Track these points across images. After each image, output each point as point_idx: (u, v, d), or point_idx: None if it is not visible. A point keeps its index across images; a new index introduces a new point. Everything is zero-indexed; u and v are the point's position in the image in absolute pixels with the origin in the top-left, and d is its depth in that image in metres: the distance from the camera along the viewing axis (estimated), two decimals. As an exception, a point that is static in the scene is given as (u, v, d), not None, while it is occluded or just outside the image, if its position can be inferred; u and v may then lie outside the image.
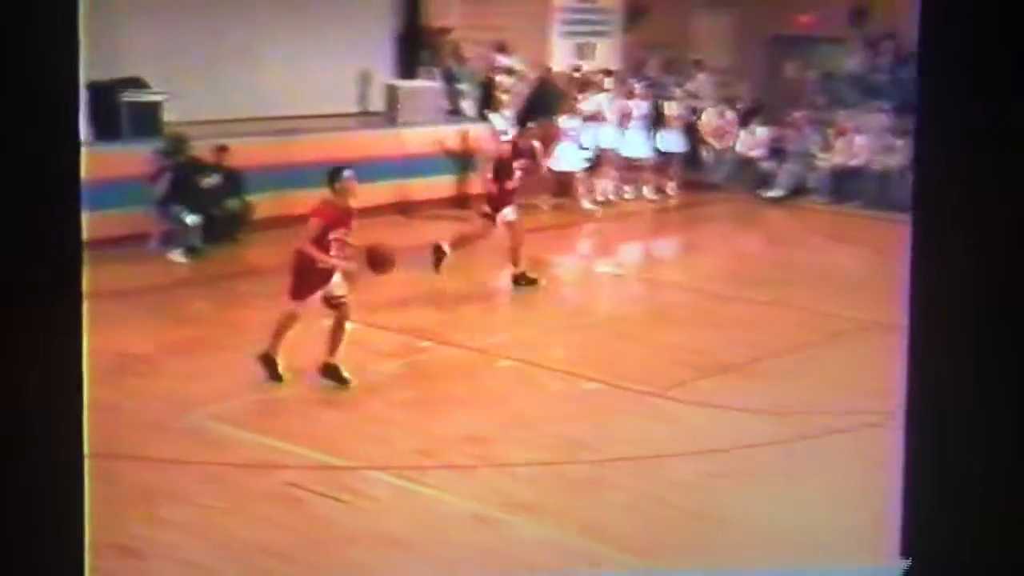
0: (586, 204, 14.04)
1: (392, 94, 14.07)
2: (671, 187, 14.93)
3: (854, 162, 14.55)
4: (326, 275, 7.81)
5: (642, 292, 11.19)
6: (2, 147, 3.13)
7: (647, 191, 14.81)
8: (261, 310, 8.72)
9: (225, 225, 11.81)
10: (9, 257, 3.17)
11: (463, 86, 14.55)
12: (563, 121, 14.04)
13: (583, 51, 16.25)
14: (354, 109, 14.16)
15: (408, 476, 6.68)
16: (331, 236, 7.81)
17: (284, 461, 6.83)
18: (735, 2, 16.42)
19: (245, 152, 12.10)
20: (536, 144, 11.06)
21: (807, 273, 11.50)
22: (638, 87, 14.99)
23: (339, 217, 7.87)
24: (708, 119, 15.38)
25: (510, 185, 10.46)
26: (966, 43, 3.68)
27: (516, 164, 10.56)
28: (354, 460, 6.88)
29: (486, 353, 8.76)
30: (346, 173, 7.93)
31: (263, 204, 12.02)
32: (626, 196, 14.64)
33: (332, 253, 7.82)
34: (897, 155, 14.37)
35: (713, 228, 14.44)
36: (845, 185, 14.49)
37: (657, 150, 14.83)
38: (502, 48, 14.98)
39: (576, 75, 15.19)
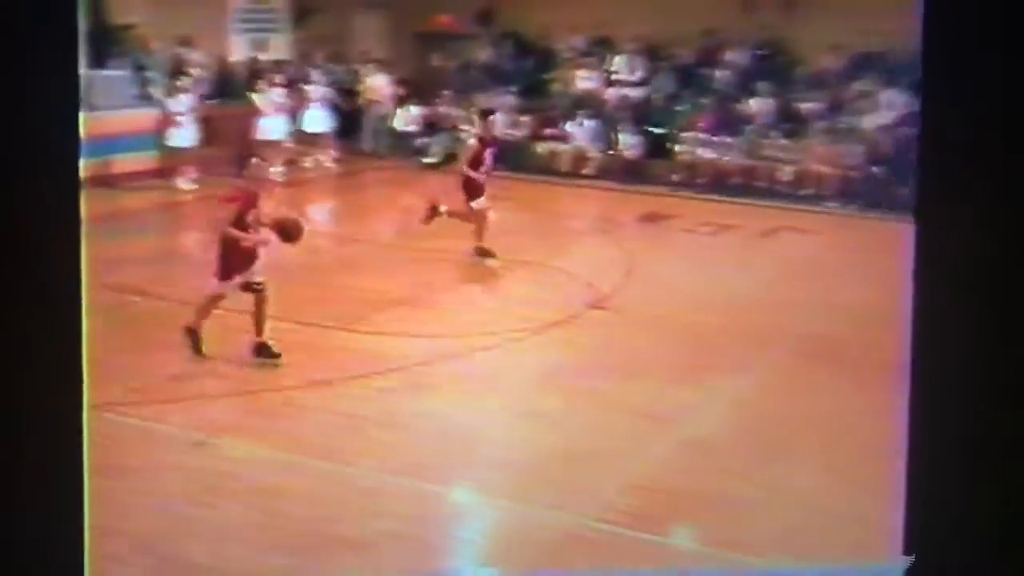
0: (272, 171, 13.98)
1: (86, 82, 13.30)
2: (333, 157, 14.94)
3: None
4: (250, 256, 7.35)
5: (324, 245, 11.10)
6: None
7: (324, 160, 14.73)
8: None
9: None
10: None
11: (150, 75, 13.99)
12: (258, 99, 13.91)
13: (258, 45, 15.91)
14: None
15: (124, 412, 6.40)
16: (248, 218, 7.35)
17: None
18: (387, 4, 16.52)
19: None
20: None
21: (461, 225, 11.77)
22: (314, 74, 14.94)
23: (253, 200, 7.42)
24: (371, 83, 15.46)
25: (483, 172, 10.23)
26: (969, 46, 3.33)
27: (487, 154, 10.33)
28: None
29: (190, 304, 8.43)
30: (254, 160, 7.57)
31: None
32: (306, 165, 14.54)
33: (249, 232, 7.36)
34: (523, 128, 14.94)
35: (381, 191, 14.53)
36: (487, 153, 14.90)
37: (329, 128, 14.83)
38: (185, 42, 14.50)
39: (260, 64, 15.02)
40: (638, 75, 15.00)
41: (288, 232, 7.60)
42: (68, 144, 3.09)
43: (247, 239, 7.38)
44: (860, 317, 8.71)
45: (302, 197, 13.55)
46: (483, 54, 16.26)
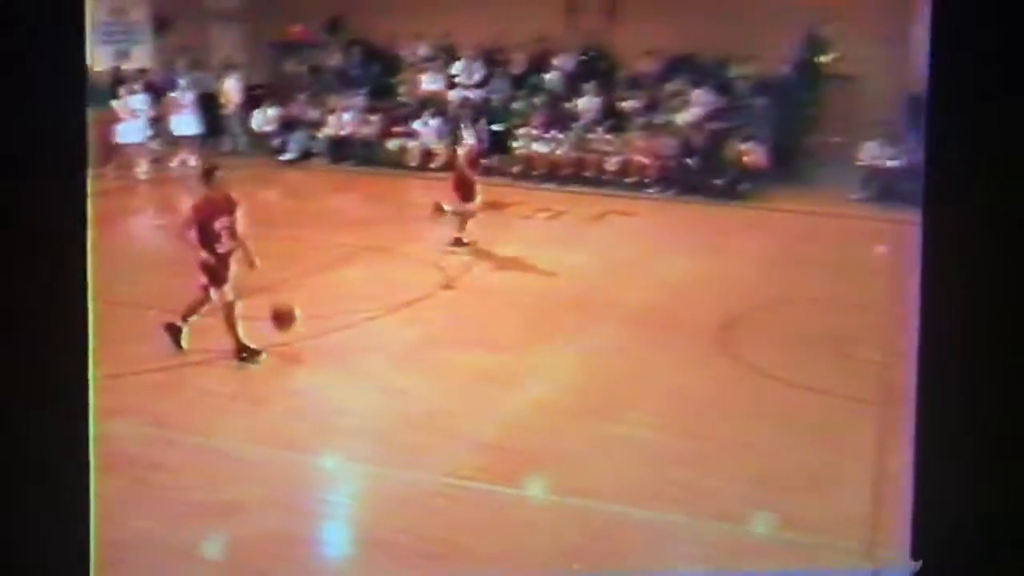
0: (140, 172, 13.56)
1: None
2: (198, 157, 14.49)
3: (343, 132, 14.82)
4: (223, 258, 7.05)
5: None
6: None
7: (189, 160, 14.26)
8: None
9: None
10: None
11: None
12: (117, 105, 13.50)
13: (121, 55, 15.28)
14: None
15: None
16: (216, 226, 7.01)
17: None
18: (242, 16, 16.13)
19: None
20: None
21: (317, 215, 11.66)
22: (181, 82, 14.45)
23: (219, 208, 7.08)
24: (226, 88, 15.05)
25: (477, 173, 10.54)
26: (974, 50, 3.12)
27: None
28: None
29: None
30: (218, 173, 7.28)
31: None
32: (172, 165, 14.07)
33: (222, 239, 7.05)
34: (373, 126, 14.81)
35: (242, 187, 13.83)
36: (339, 150, 14.73)
37: (197, 131, 14.40)
38: (47, 51, 13.78)
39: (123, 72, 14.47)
40: (476, 78, 15.09)
41: (281, 320, 7.25)
42: (74, 143, 2.89)
43: (203, 256, 7.03)
44: (678, 287, 9.10)
45: (169, 195, 13.13)
46: (333, 60, 16.05)
